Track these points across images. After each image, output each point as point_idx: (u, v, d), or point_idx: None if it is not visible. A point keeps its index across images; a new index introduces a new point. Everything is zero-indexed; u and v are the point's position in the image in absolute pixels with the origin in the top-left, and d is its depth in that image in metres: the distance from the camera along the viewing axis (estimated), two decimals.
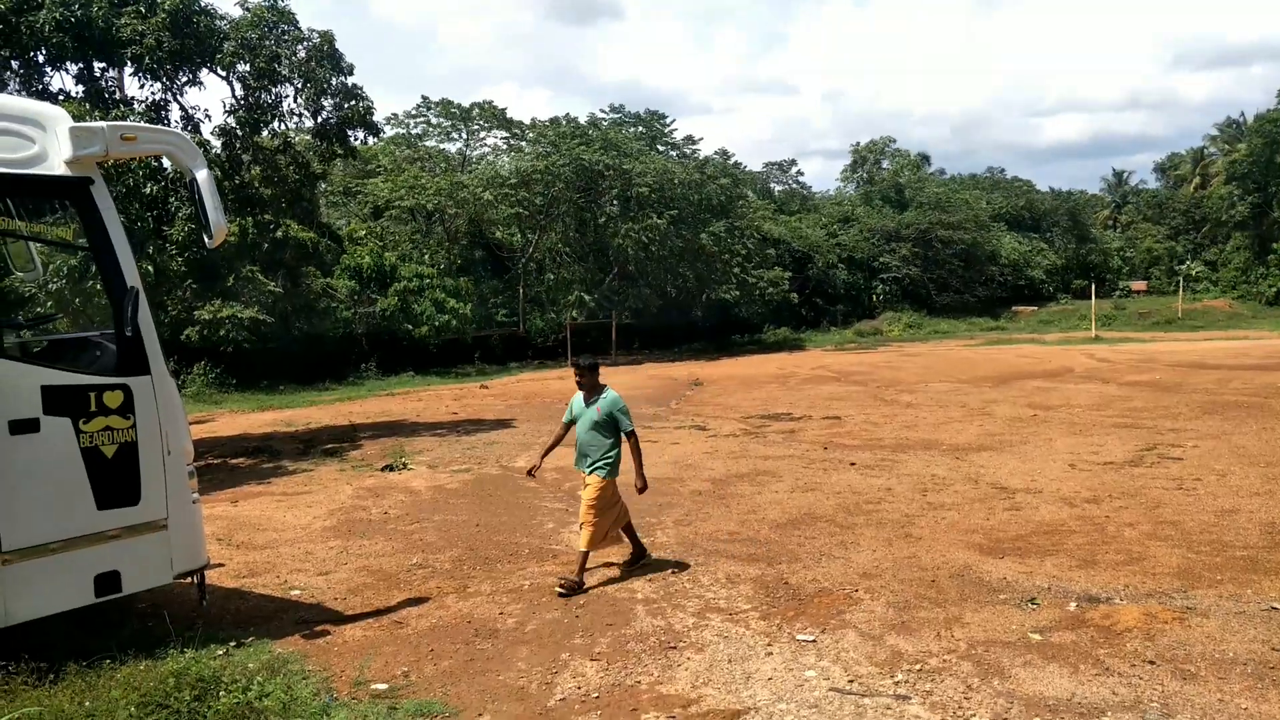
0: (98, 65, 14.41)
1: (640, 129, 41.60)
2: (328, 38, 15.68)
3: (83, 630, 6.22)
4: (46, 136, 5.62)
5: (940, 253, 48.32)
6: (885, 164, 62.45)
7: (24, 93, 13.60)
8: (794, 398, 20.95)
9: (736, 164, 45.60)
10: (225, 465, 14.87)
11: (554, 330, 37.03)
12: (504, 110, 39.74)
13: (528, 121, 39.32)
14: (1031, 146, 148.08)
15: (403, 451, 14.51)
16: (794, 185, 61.31)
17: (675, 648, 6.19)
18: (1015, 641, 6.13)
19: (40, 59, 13.82)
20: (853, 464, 12.43)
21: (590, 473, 7.79)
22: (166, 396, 6.11)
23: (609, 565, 8.10)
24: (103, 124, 5.90)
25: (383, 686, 5.64)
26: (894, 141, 64.97)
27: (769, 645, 6.16)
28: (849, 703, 5.26)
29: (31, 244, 7.32)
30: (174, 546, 6.09)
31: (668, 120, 43.00)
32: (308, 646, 6.35)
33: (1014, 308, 50.37)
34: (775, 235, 43.93)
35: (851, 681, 5.55)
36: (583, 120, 38.16)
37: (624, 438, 7.90)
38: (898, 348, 36.29)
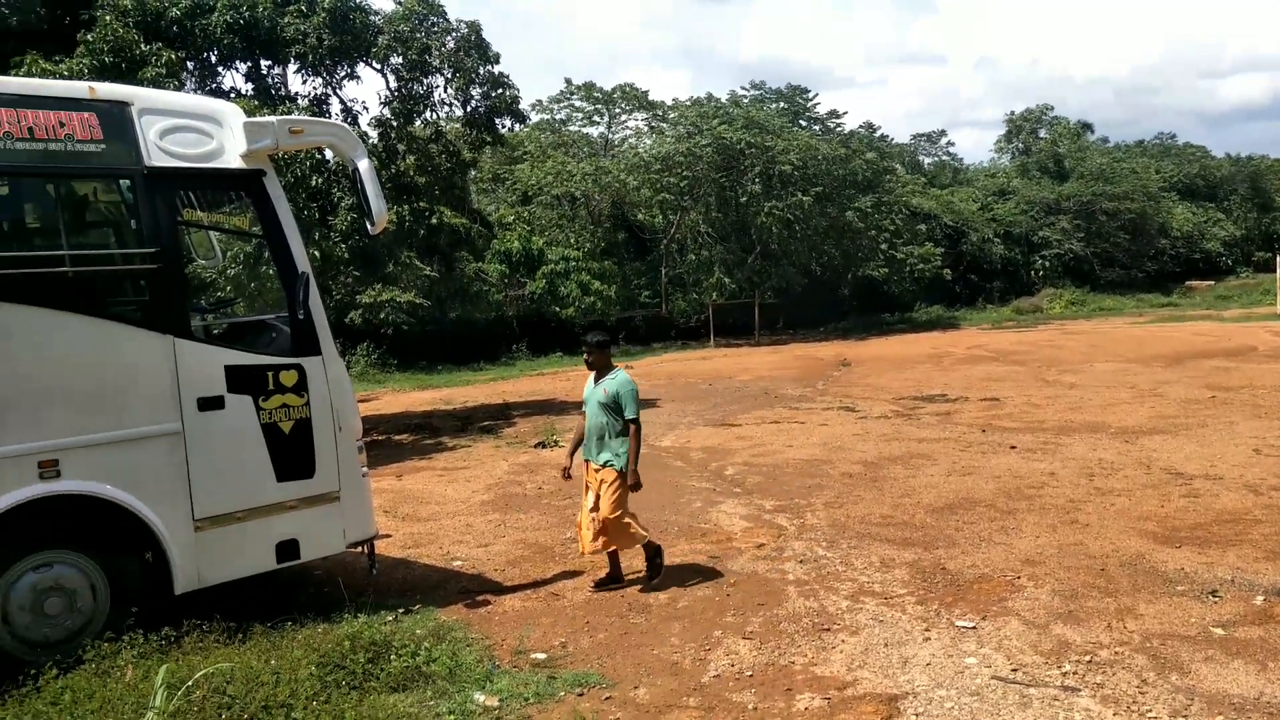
0: (264, 63, 15.27)
1: (782, 105, 40.92)
2: (475, 28, 16.10)
3: (266, 594, 6.65)
4: (223, 132, 6.00)
5: (1105, 225, 45.48)
6: (1042, 133, 59.24)
7: (200, 92, 14.55)
8: (949, 378, 20.26)
9: (883, 137, 44.23)
10: (390, 441, 15.63)
11: (696, 310, 37.01)
12: (645, 93, 39.92)
13: (669, 102, 39.39)
14: (1205, 110, 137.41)
15: (553, 429, 14.86)
16: (944, 158, 59.01)
17: (829, 630, 6.11)
18: (1195, 635, 5.75)
19: (213, 59, 14.75)
20: (1013, 447, 11.92)
21: (603, 465, 7.03)
22: (336, 376, 6.44)
23: (760, 546, 8.06)
24: (273, 119, 6.25)
25: (541, 656, 5.80)
26: (1051, 110, 61.36)
27: (926, 631, 6.00)
28: (1013, 692, 5.06)
29: (211, 233, 7.86)
30: (346, 517, 6.43)
31: (810, 95, 42.13)
32: (470, 615, 6.60)
33: (1187, 282, 46.97)
34: (926, 210, 42.41)
35: (1015, 670, 5.34)
36: (724, 99, 37.88)
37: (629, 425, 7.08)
38: (1059, 326, 34.49)
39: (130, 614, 5.42)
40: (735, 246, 36.58)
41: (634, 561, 7.47)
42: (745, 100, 39.04)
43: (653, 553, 7.25)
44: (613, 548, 7.08)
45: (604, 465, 7.02)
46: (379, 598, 7.00)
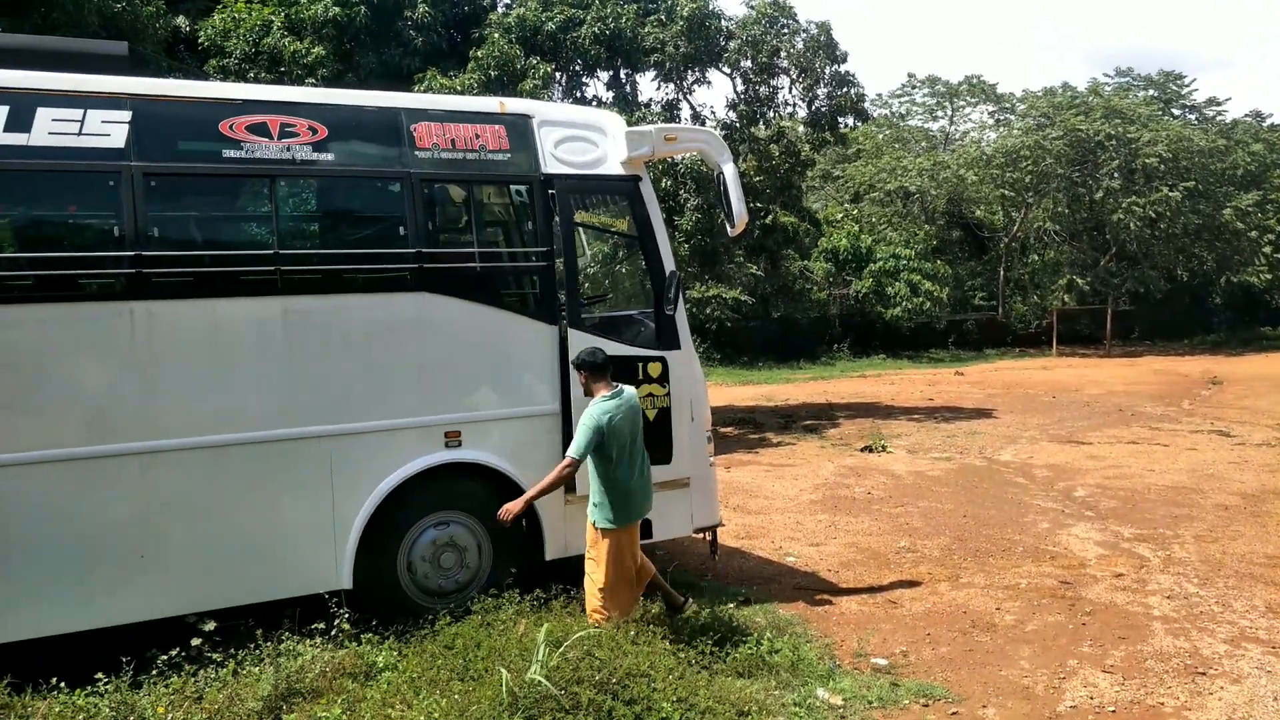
0: (624, 72, 16.26)
1: (1151, 93, 37.05)
2: (825, 28, 16.10)
3: None
4: (607, 140, 6.52)
5: None
6: None
7: (567, 100, 15.81)
8: None
9: (1274, 126, 38.64)
10: (715, 433, 16.07)
11: (1037, 315, 34.63)
12: (994, 85, 37.77)
13: (1018, 94, 36.98)
14: None
15: (880, 434, 14.61)
16: None
17: (1204, 674, 5.55)
18: None
19: (579, 69, 15.95)
20: None
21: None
22: (692, 369, 6.80)
23: (1119, 576, 7.46)
24: (651, 127, 6.69)
25: (882, 661, 5.78)
26: None
27: None
28: None
29: (581, 232, 8.56)
30: (694, 504, 6.77)
31: (1186, 81, 37.79)
32: (808, 612, 6.71)
33: None
34: None
35: None
36: (1082, 88, 34.96)
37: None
38: None
39: (510, 574, 6.07)
40: (1086, 246, 33.79)
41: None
42: (1106, 89, 35.77)
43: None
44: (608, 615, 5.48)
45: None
46: (718, 584, 7.32)
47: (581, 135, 6.47)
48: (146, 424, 5.21)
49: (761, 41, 15.77)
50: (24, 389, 4.95)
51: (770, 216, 18.18)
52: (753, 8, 16.14)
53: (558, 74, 15.88)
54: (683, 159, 15.08)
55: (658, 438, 6.44)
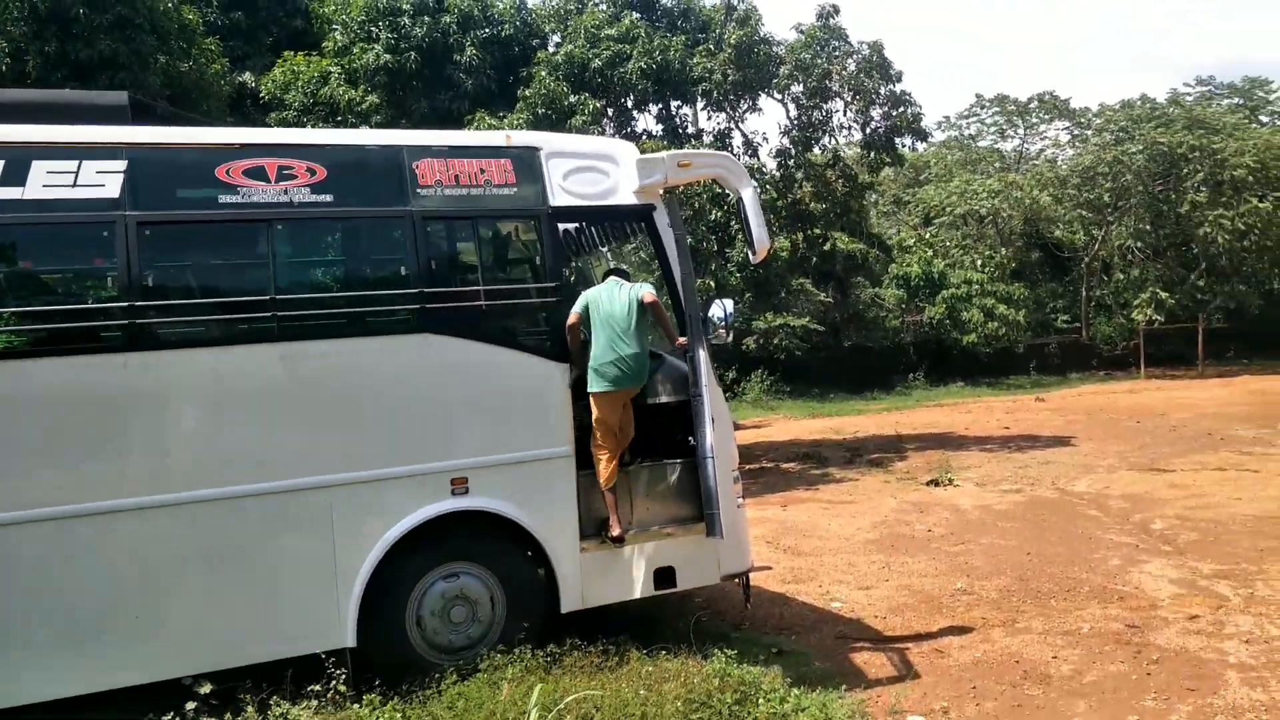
0: (674, 104, 16.15)
1: (1235, 101, 35.47)
2: (876, 48, 15.76)
3: (644, 620, 6.83)
4: (619, 170, 6.28)
5: None
6: None
7: (617, 135, 15.73)
8: None
9: None
10: (777, 469, 15.69)
11: (1124, 336, 33.14)
12: (1067, 100, 36.61)
13: (1093, 109, 35.75)
14: None
15: (948, 466, 13.98)
16: None
17: None
18: None
19: (629, 104, 15.89)
20: None
21: None
22: (714, 403, 6.46)
23: (1193, 618, 6.84)
24: (663, 154, 6.45)
25: (919, 719, 5.33)
26: None
27: None
28: None
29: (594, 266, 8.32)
30: (721, 548, 6.39)
31: (1272, 86, 36.06)
32: (845, 663, 6.28)
33: None
34: None
35: None
36: (1161, 99, 33.64)
37: None
38: None
39: (522, 628, 5.80)
40: (1173, 263, 32.29)
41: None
42: (1188, 99, 34.36)
43: None
44: None
45: None
46: (753, 633, 6.94)
47: (592, 165, 6.26)
48: (140, 479, 5.11)
49: (812, 65, 15.48)
50: (14, 446, 4.89)
51: (829, 243, 17.79)
52: (803, 32, 15.88)
53: (608, 109, 15.84)
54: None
55: None
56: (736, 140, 16.85)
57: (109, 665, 5.04)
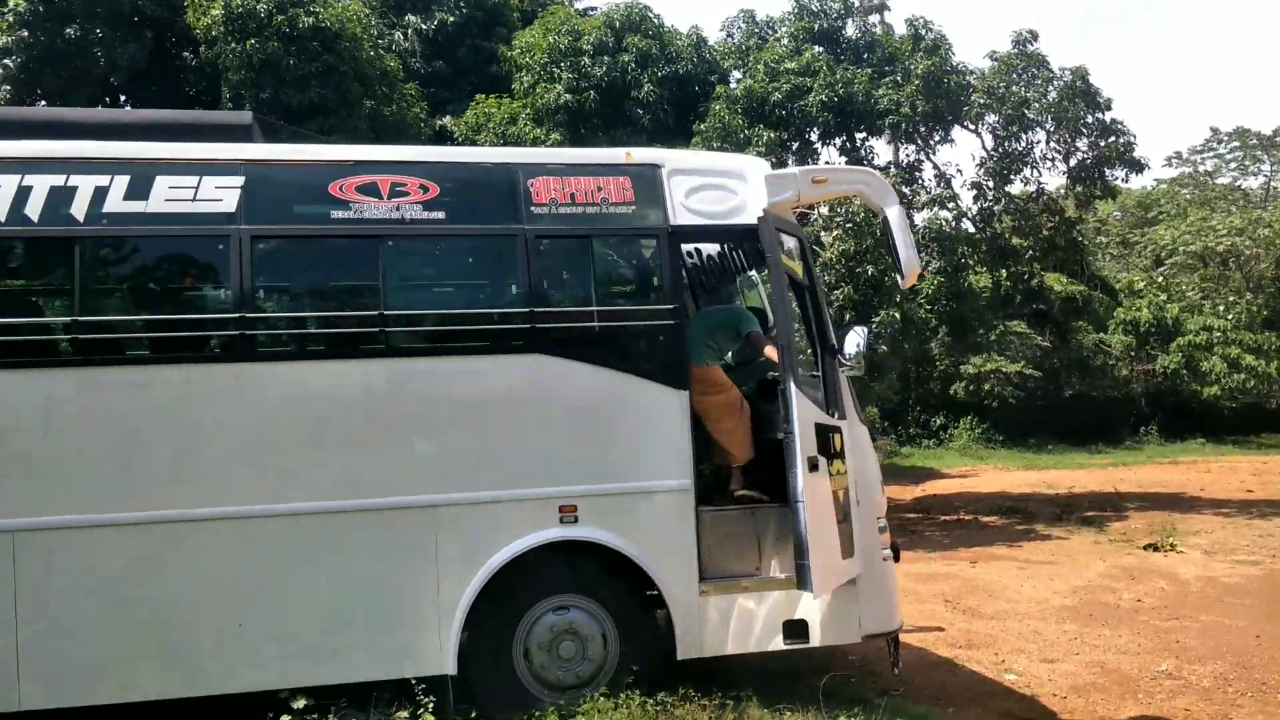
0: (858, 136, 15.47)
1: None
2: (1080, 73, 14.50)
3: (776, 673, 6.19)
4: (747, 187, 5.82)
5: None
6: None
7: None
8: None
9: None
10: (976, 522, 14.46)
11: None
12: None
13: None
14: None
15: (1173, 529, 12.32)
16: None
17: None
18: None
19: (812, 137, 15.36)
20: None
21: None
22: (858, 443, 5.83)
23: None
24: (795, 170, 6.02)
25: None
26: None
27: None
28: None
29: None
30: (862, 604, 5.71)
31: None
32: None
33: None
34: None
35: None
36: None
37: None
38: None
39: (631, 672, 5.36)
40: None
41: None
42: None
43: None
44: None
45: None
46: (905, 699, 6.13)
47: (717, 183, 5.85)
48: (250, 488, 5.13)
49: (1008, 94, 14.43)
50: (129, 450, 5.02)
51: (1035, 279, 16.42)
52: (998, 59, 14.85)
53: (790, 142, 15.42)
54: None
55: None
56: (928, 172, 15.97)
57: (213, 671, 5.06)
